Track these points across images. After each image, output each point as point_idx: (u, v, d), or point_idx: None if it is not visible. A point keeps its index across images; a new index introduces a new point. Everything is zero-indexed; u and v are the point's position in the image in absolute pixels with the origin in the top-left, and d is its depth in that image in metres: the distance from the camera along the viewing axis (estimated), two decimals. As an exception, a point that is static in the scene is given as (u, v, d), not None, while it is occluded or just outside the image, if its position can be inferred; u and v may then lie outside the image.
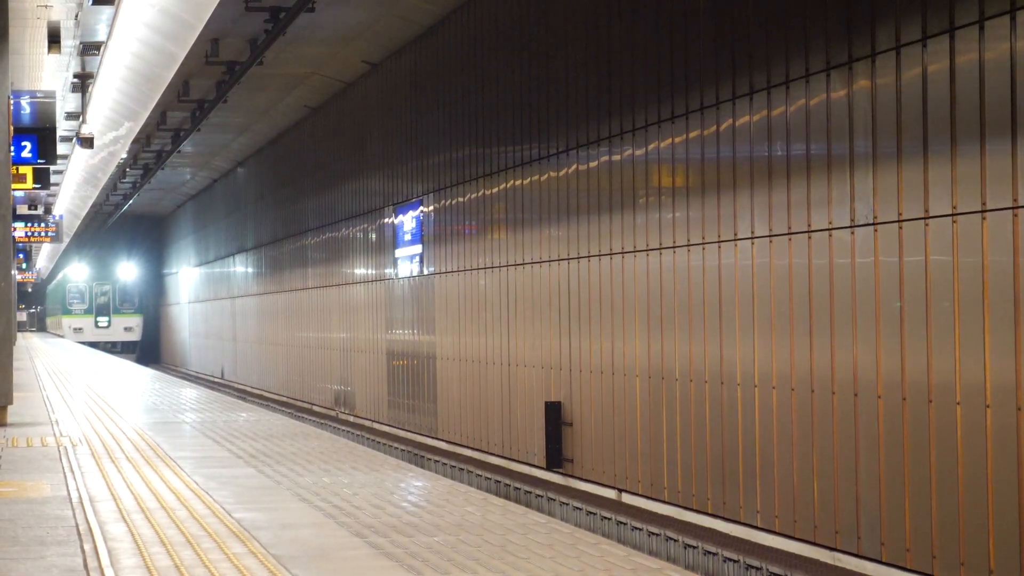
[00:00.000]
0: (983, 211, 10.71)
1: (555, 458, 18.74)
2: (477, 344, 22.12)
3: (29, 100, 21.59)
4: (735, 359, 14.23)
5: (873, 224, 11.97)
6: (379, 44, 26.02)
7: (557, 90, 18.76)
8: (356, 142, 29.94)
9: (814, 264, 12.87)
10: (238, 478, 12.30)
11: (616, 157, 16.92)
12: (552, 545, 8.74)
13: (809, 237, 12.91)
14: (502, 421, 21.00)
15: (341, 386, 31.73)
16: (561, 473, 18.73)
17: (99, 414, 19.93)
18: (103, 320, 72.41)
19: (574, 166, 18.18)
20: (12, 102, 18.84)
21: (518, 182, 20.24)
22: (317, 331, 34.19)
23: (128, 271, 72.68)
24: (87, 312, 72.66)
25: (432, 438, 24.47)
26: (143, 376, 32.90)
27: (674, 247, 15.45)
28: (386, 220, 27.63)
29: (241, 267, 45.19)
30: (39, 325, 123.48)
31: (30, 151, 21.28)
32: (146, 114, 28.39)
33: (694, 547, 14.19)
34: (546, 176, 19.17)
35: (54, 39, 20.69)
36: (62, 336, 75.27)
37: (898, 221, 11.66)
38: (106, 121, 29.83)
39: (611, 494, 17.13)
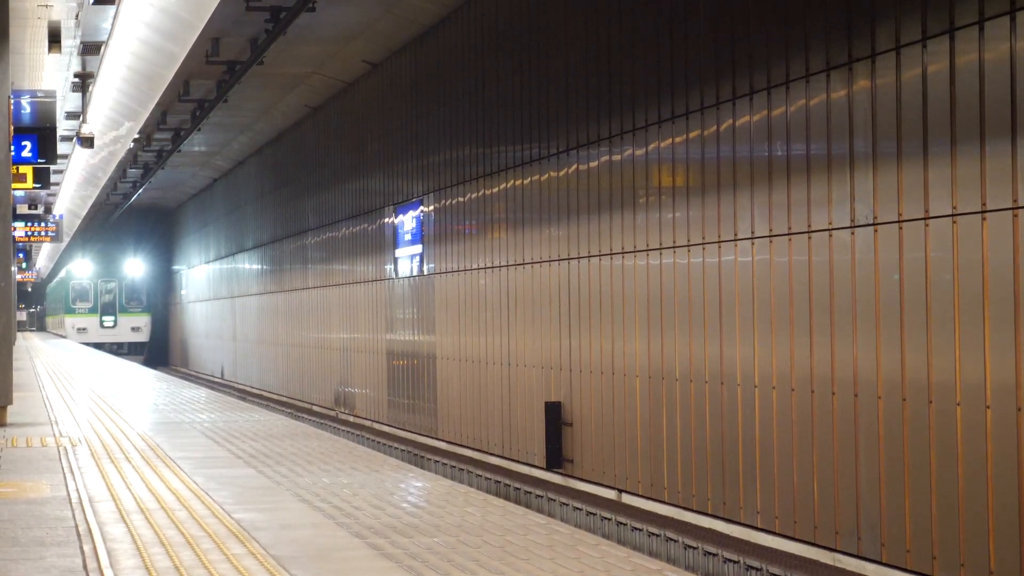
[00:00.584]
0: (983, 211, 10.70)
1: (555, 458, 18.73)
2: (477, 344, 22.12)
3: (29, 100, 21.59)
4: (735, 359, 14.23)
5: (873, 224, 11.97)
6: (379, 44, 26.02)
7: (557, 90, 18.75)
8: (356, 142, 29.94)
9: (814, 264, 12.86)
10: (238, 478, 12.30)
11: (616, 157, 16.91)
12: (552, 546, 8.74)
13: (809, 237, 12.91)
14: (502, 421, 21.00)
15: (341, 386, 31.73)
16: (561, 473, 18.73)
17: (99, 414, 19.93)
18: (109, 320, 68.12)
19: (574, 166, 18.17)
20: (12, 101, 18.84)
21: (518, 182, 20.23)
22: (317, 331, 34.18)
23: (135, 267, 68.24)
24: (92, 311, 68.31)
25: (432, 438, 24.47)
26: (143, 376, 32.90)
27: (674, 247, 15.45)
28: (386, 220, 27.62)
29: (245, 265, 45.20)
30: (39, 324, 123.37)
31: (30, 151, 21.27)
32: (146, 114, 28.39)
33: (694, 548, 14.19)
34: (546, 176, 19.16)
35: (55, 39, 20.69)
36: (64, 337, 71.04)
37: (898, 222, 11.66)
38: (106, 121, 29.83)
39: (611, 494, 17.13)
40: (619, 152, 16.83)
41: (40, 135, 21.21)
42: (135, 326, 67.66)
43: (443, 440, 23.86)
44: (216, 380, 49.20)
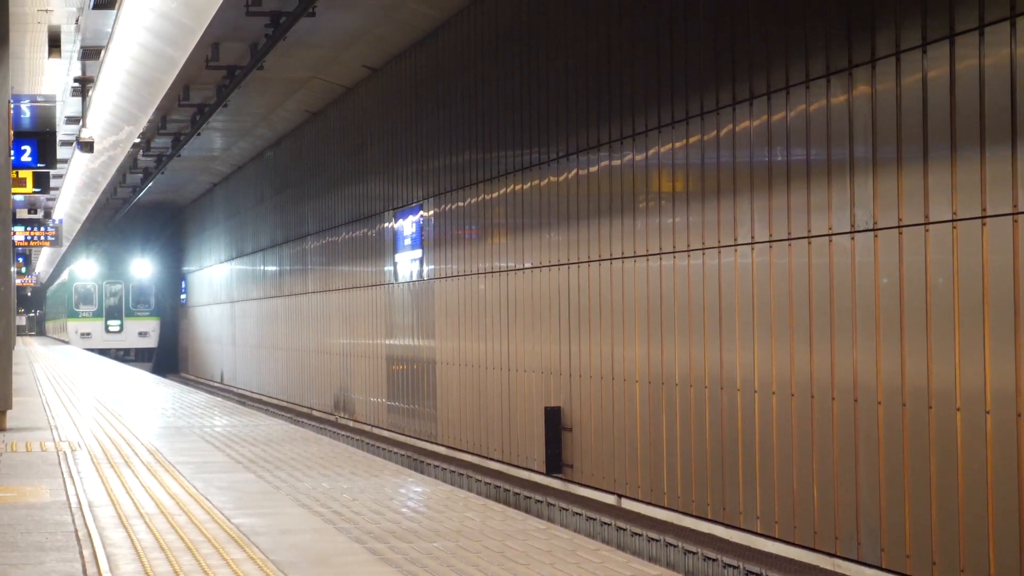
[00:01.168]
0: (983, 217, 10.71)
1: (555, 463, 18.72)
2: (477, 349, 22.11)
3: (29, 104, 21.59)
4: (735, 364, 14.22)
5: (873, 230, 11.97)
6: (379, 49, 26.03)
7: (557, 95, 18.76)
8: (356, 146, 29.95)
9: (814, 269, 12.86)
10: (237, 483, 12.29)
11: (616, 162, 16.92)
12: (551, 551, 8.73)
13: (809, 242, 12.91)
14: (502, 426, 20.99)
15: (341, 391, 31.72)
16: (561, 478, 18.72)
17: (98, 419, 19.92)
18: (114, 324, 63.34)
19: (574, 171, 18.18)
20: (12, 106, 18.84)
21: (518, 187, 20.24)
22: (316, 335, 34.17)
23: (143, 268, 63.80)
24: (96, 315, 63.47)
25: (432, 443, 24.46)
26: (143, 381, 32.89)
27: (674, 252, 15.45)
28: (386, 224, 27.63)
29: (246, 269, 45.19)
30: (38, 329, 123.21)
31: (30, 155, 21.28)
32: (146, 118, 28.39)
33: (693, 553, 14.18)
34: (546, 181, 19.16)
35: (55, 43, 20.69)
36: (67, 342, 66.17)
37: (898, 227, 11.66)
38: (106, 125, 29.83)
39: (611, 499, 17.12)
40: (619, 157, 16.83)
41: (40, 139, 21.21)
42: (142, 331, 63.31)
43: (443, 445, 23.85)
44: (215, 385, 49.17)
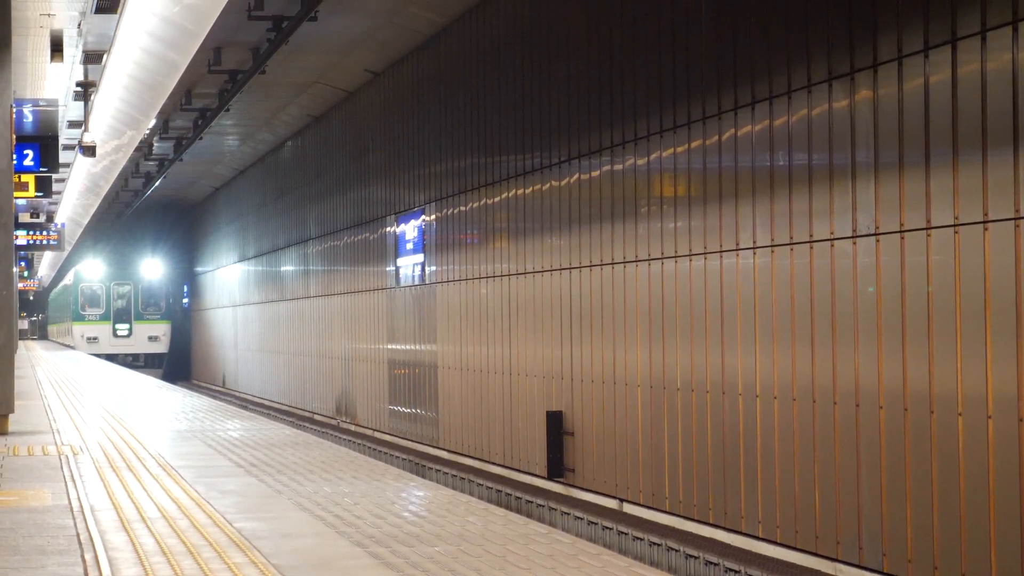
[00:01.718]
0: (985, 222, 10.71)
1: (556, 468, 18.72)
2: (478, 353, 22.11)
3: (32, 108, 21.61)
4: (736, 369, 14.22)
5: (875, 234, 11.97)
6: (381, 53, 26.04)
7: (559, 100, 18.77)
8: (358, 151, 29.96)
9: (816, 274, 12.86)
10: (239, 487, 12.29)
11: (618, 167, 16.92)
12: (553, 555, 8.73)
13: (811, 247, 12.91)
14: (503, 430, 20.99)
15: (342, 395, 31.72)
16: (562, 483, 18.72)
17: (100, 423, 19.92)
18: (123, 328, 59.37)
19: (576, 176, 18.18)
20: (15, 110, 18.86)
21: (520, 191, 20.24)
22: (318, 340, 34.17)
23: (153, 268, 59.86)
24: (103, 318, 59.52)
25: (433, 447, 24.45)
26: (146, 385, 32.89)
27: (676, 256, 15.45)
28: (388, 229, 27.63)
29: (249, 272, 45.19)
30: (40, 333, 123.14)
31: (32, 159, 21.29)
32: (149, 122, 28.40)
33: (695, 557, 14.18)
34: (548, 185, 19.17)
35: (57, 48, 20.70)
36: (72, 347, 62.17)
37: (900, 232, 11.66)
38: (108, 129, 29.84)
39: (612, 504, 17.12)
40: (620, 162, 16.84)
41: (42, 144, 21.23)
42: (153, 335, 59.26)
43: (444, 449, 23.85)
44: (217, 389, 49.15)
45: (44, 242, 45.01)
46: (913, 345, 11.52)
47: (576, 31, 18.19)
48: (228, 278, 48.33)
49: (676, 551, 14.58)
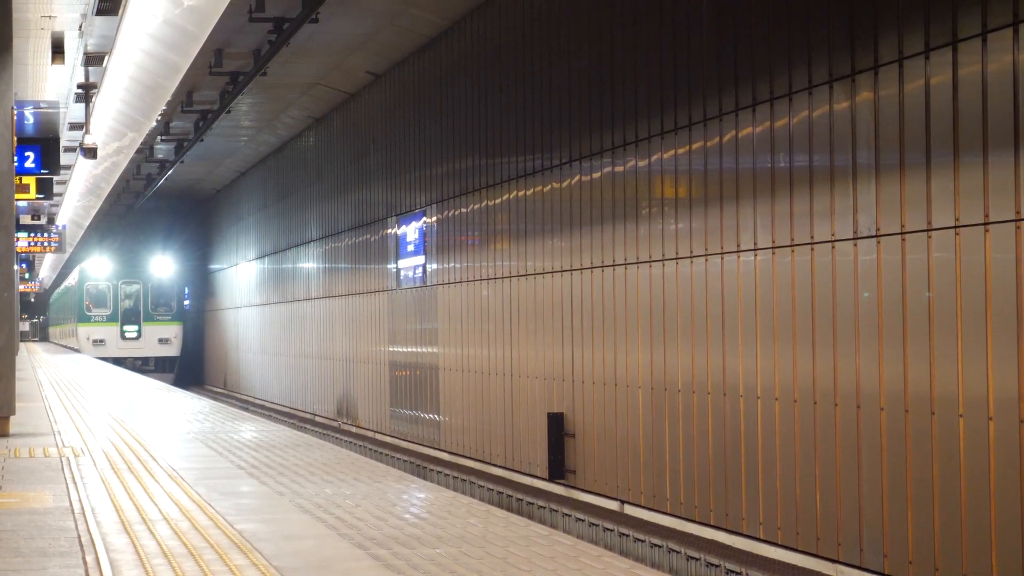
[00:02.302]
0: (986, 223, 10.71)
1: (557, 469, 18.72)
2: (479, 355, 22.11)
3: (33, 110, 21.63)
4: (737, 370, 14.22)
5: (876, 236, 11.97)
6: (382, 55, 26.05)
7: (560, 101, 18.77)
8: (359, 152, 29.97)
9: (817, 276, 12.86)
10: (240, 489, 12.29)
11: (619, 168, 16.92)
12: (554, 557, 8.73)
13: (812, 249, 12.91)
14: (504, 432, 20.99)
15: (343, 397, 31.72)
16: (563, 484, 18.72)
17: (102, 425, 19.92)
18: (131, 330, 55.49)
19: (576, 177, 18.18)
20: (16, 112, 18.87)
21: (521, 193, 20.25)
22: (319, 341, 34.18)
23: (163, 265, 56.11)
24: (111, 319, 55.76)
25: (435, 449, 24.46)
26: (146, 386, 32.89)
27: (676, 258, 15.45)
28: (389, 231, 27.64)
29: (250, 274, 45.19)
30: (41, 335, 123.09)
31: (33, 161, 21.31)
32: (150, 124, 28.40)
33: (696, 559, 14.18)
34: (548, 187, 19.17)
35: (58, 50, 20.70)
36: (77, 350, 58.34)
37: (901, 233, 11.66)
38: (109, 131, 29.85)
39: (614, 505, 17.11)
40: (621, 163, 16.84)
41: (43, 146, 21.25)
42: (163, 337, 55.40)
43: (446, 451, 23.85)
44: (218, 391, 49.13)
45: (45, 243, 45.02)
46: (914, 347, 11.52)
47: (577, 33, 18.20)
48: (228, 279, 48.31)
49: (677, 553, 14.58)
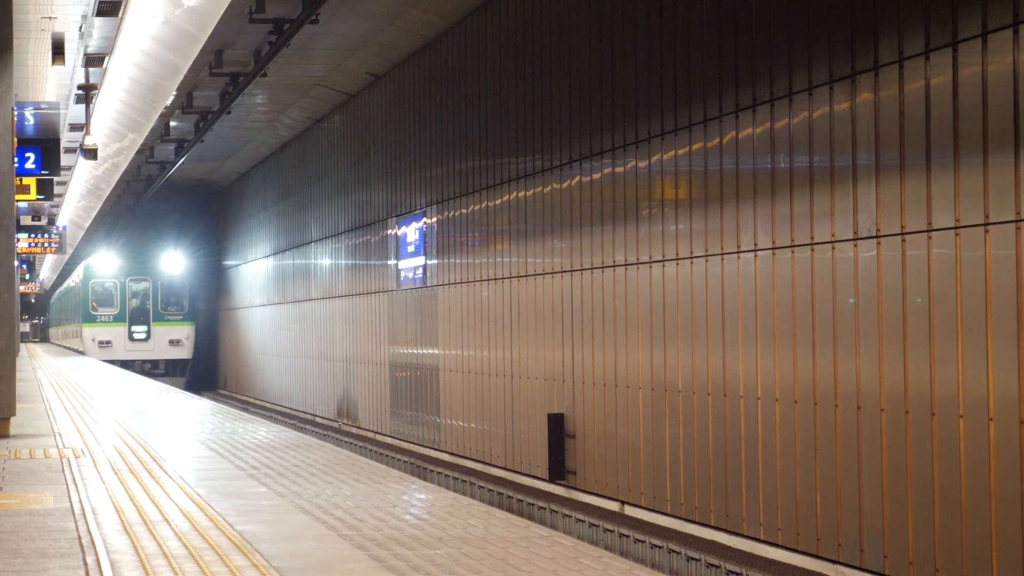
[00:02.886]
0: (986, 224, 10.71)
1: (558, 470, 18.72)
2: (480, 356, 22.11)
3: (33, 111, 21.63)
4: (738, 371, 14.22)
5: (876, 237, 11.97)
6: (383, 56, 26.05)
7: (560, 102, 18.77)
8: (359, 153, 29.97)
9: (817, 276, 12.86)
10: (240, 490, 12.29)
11: (619, 169, 16.92)
12: (555, 558, 8.73)
13: (812, 249, 12.91)
14: (505, 433, 20.99)
15: (344, 398, 31.72)
16: (564, 485, 18.71)
17: (102, 426, 19.93)
18: (140, 330, 51.72)
19: (577, 178, 18.18)
20: (16, 113, 18.87)
21: (521, 194, 20.25)
22: (320, 342, 34.18)
23: (174, 262, 52.41)
24: (118, 319, 51.85)
25: (435, 450, 24.46)
26: (146, 387, 32.89)
27: (677, 259, 15.45)
28: (389, 231, 27.64)
29: (251, 274, 45.15)
30: (42, 336, 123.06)
31: (34, 162, 21.31)
32: (150, 125, 28.41)
33: (697, 560, 14.18)
34: (549, 188, 19.17)
35: (58, 50, 20.71)
36: (81, 352, 54.78)
37: (901, 234, 11.66)
38: (110, 132, 29.86)
39: (614, 506, 17.11)
40: (622, 164, 16.84)
41: (44, 147, 21.25)
42: (174, 339, 51.59)
43: (446, 452, 23.85)
44: (219, 392, 49.12)
45: (45, 244, 45.02)
46: (914, 348, 11.52)
47: (577, 34, 18.20)
48: (228, 281, 48.30)
49: (678, 553, 14.57)
